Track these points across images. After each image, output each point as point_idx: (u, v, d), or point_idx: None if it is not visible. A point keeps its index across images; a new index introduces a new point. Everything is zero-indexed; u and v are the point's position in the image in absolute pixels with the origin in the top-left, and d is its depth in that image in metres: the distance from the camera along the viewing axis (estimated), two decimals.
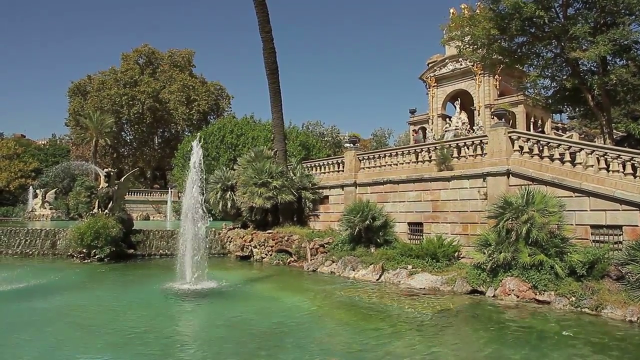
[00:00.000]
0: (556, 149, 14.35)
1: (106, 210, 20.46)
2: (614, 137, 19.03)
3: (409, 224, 17.86)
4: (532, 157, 14.63)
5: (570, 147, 14.09)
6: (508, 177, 14.91)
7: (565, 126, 33.78)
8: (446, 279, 13.34)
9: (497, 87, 30.41)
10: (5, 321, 9.46)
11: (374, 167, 20.05)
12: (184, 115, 56.07)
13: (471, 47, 19.48)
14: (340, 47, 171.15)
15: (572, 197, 13.20)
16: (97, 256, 18.66)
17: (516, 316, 10.27)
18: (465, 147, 16.73)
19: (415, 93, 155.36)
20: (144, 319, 9.88)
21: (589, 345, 8.21)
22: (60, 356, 7.49)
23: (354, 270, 15.67)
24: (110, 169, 23.45)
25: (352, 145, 22.49)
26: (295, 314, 10.52)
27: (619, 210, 12.25)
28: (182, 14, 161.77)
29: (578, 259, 11.17)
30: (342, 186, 20.91)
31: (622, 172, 12.51)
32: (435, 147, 17.71)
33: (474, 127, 28.10)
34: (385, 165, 19.55)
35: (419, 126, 34.72)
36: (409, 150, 19.09)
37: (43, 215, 39.30)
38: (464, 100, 30.70)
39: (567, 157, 13.80)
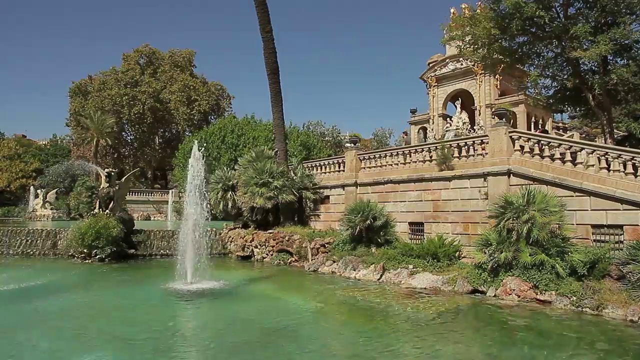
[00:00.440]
0: (557, 148, 14.34)
1: (107, 211, 20.47)
2: (615, 136, 19.02)
3: (410, 223, 17.87)
4: (532, 156, 14.63)
5: (571, 146, 14.08)
6: (509, 176, 14.91)
7: (566, 126, 33.70)
8: (447, 279, 13.33)
9: (498, 86, 30.35)
10: (5, 321, 9.47)
11: (374, 167, 20.06)
12: (184, 115, 56.09)
13: (472, 46, 19.44)
14: (341, 47, 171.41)
15: (572, 196, 13.21)
16: (98, 256, 18.67)
17: (517, 316, 10.26)
18: (466, 147, 16.73)
19: (416, 93, 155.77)
20: (145, 318, 9.90)
21: (590, 345, 8.20)
22: (61, 356, 7.50)
23: (355, 270, 15.67)
24: (111, 169, 23.44)
25: (352, 145, 22.45)
26: (296, 314, 10.53)
27: (619, 209, 12.27)
28: (182, 14, 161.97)
29: (579, 259, 11.16)
30: (343, 186, 20.92)
31: (623, 172, 12.50)
32: (436, 146, 17.72)
33: (474, 127, 28.03)
34: (386, 165, 19.55)
35: (419, 126, 34.63)
36: (409, 150, 19.10)
37: (44, 215, 39.28)
38: (465, 100, 30.63)
39: (568, 157, 13.79)
